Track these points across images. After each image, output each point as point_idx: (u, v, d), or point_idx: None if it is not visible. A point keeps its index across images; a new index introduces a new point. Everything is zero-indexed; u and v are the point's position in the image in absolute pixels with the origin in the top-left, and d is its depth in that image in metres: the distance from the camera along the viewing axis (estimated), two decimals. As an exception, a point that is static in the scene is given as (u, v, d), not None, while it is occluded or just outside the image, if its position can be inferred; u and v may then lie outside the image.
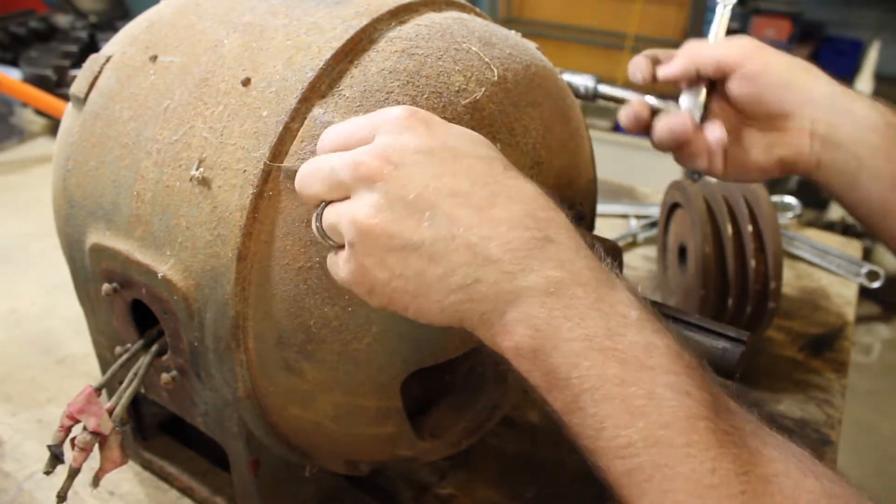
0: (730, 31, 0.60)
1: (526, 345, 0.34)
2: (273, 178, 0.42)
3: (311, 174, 0.38)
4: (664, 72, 0.57)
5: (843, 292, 0.91)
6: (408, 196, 0.34)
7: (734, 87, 0.55)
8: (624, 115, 0.57)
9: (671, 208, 0.84)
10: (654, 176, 1.87)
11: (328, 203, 0.37)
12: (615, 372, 0.32)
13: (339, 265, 0.38)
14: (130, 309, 0.50)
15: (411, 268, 0.35)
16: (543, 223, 0.35)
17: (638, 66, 0.58)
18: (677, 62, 0.57)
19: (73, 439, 0.47)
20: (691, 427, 0.31)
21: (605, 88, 0.61)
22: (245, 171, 0.42)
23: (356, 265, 0.36)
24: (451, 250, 0.34)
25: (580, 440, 0.34)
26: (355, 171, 0.35)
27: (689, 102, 0.57)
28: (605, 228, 1.03)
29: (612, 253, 0.49)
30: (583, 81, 0.62)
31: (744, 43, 0.55)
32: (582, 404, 0.33)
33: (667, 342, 0.34)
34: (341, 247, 0.37)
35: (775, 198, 1.02)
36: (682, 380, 0.32)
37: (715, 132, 0.55)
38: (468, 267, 0.34)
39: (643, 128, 0.57)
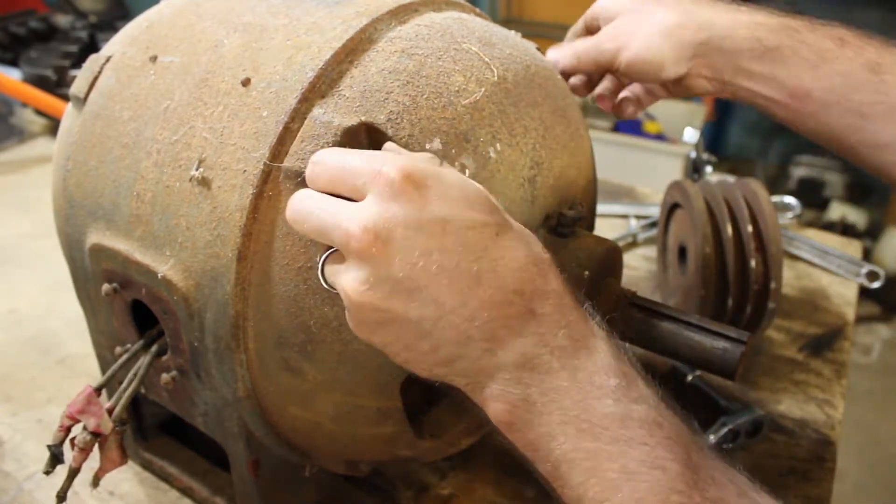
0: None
1: (504, 419, 0.35)
2: (273, 178, 0.42)
3: (303, 217, 0.37)
4: (554, 60, 0.60)
5: (843, 292, 0.91)
6: (396, 275, 0.34)
7: (617, 74, 0.58)
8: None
9: (671, 208, 0.84)
10: (654, 176, 1.87)
11: (330, 252, 0.38)
12: (589, 446, 0.33)
13: (346, 312, 0.38)
14: (130, 309, 0.50)
15: (400, 339, 0.36)
16: (528, 296, 0.35)
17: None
18: (565, 55, 0.59)
19: (72, 439, 0.47)
20: (664, 502, 0.32)
21: None
22: (245, 171, 0.42)
23: (354, 324, 0.37)
24: (437, 329, 0.35)
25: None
26: (345, 243, 0.35)
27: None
28: (605, 228, 1.03)
29: (612, 254, 0.49)
30: None
31: (608, 40, 0.56)
32: (561, 474, 0.34)
33: (644, 411, 0.34)
34: None
35: (775, 198, 1.02)
36: (656, 452, 0.33)
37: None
38: (452, 345, 0.35)
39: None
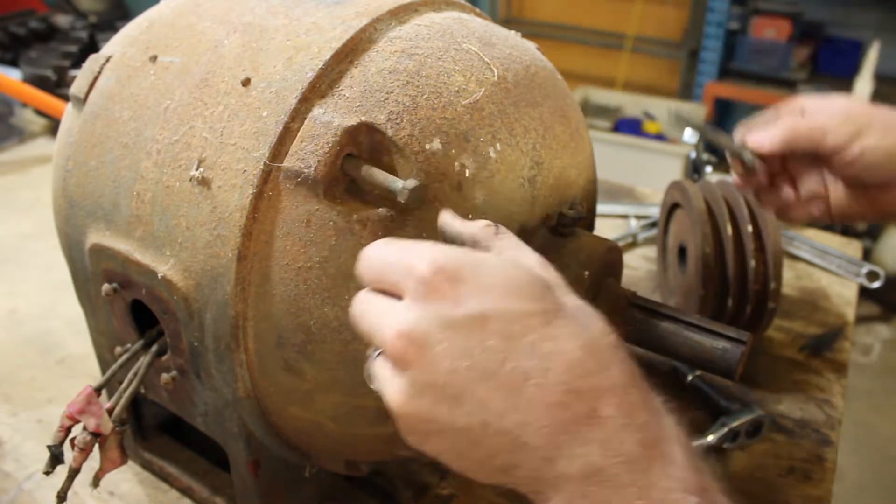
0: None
1: None
2: (273, 178, 0.42)
3: (358, 315, 0.36)
4: (757, 140, 0.56)
5: (843, 292, 0.91)
6: (437, 382, 0.32)
7: (833, 167, 0.55)
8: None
9: (671, 208, 0.84)
10: (654, 176, 1.87)
11: (380, 352, 0.35)
12: None
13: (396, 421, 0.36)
14: (130, 309, 0.50)
15: (452, 448, 0.33)
16: (587, 396, 0.32)
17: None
18: (774, 135, 0.55)
19: (72, 439, 0.47)
20: None
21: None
22: (245, 171, 0.42)
23: (404, 433, 0.35)
24: (488, 436, 0.32)
25: None
26: (385, 348, 0.33)
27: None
28: (605, 228, 1.03)
29: (612, 254, 0.49)
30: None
31: (840, 124, 0.53)
32: None
33: None
34: None
35: (775, 198, 1.02)
36: None
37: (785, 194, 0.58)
38: (507, 454, 0.32)
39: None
